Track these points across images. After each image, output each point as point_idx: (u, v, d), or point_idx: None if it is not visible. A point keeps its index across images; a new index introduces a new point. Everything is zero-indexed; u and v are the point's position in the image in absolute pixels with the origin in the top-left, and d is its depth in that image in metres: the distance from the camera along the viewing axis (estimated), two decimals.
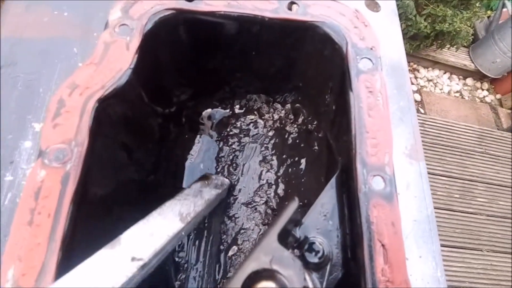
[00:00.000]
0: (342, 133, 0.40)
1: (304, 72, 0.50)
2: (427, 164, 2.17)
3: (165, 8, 0.41)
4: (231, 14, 0.42)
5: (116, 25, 0.40)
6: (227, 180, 0.51)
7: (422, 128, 2.21)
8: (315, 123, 0.52)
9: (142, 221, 0.39)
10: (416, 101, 2.68)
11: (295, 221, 0.32)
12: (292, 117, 0.56)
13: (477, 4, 2.38)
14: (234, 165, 0.56)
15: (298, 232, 0.33)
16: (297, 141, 0.55)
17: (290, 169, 0.54)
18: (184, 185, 0.54)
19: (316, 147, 0.51)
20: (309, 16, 0.42)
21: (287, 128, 0.56)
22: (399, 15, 2.26)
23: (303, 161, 0.53)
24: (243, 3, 0.42)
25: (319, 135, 0.50)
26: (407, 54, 2.66)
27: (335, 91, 0.45)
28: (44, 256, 0.31)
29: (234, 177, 0.55)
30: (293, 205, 0.29)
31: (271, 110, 0.57)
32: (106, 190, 0.40)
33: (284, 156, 0.55)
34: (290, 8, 0.43)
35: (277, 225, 0.27)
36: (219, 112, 0.58)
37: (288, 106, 0.56)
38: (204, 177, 0.50)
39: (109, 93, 0.37)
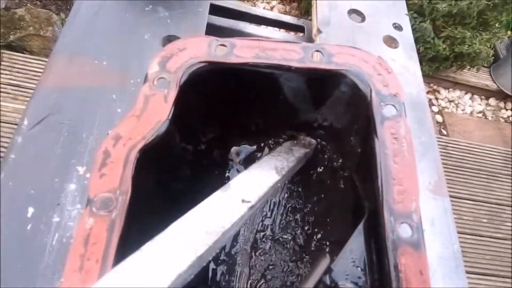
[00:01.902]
0: (367, 177, 0.42)
1: (330, 114, 0.52)
2: (451, 188, 2.14)
3: (198, 61, 0.45)
4: (259, 64, 0.45)
5: (154, 78, 0.44)
6: (313, 140, 0.55)
7: (445, 151, 2.18)
8: (340, 161, 0.54)
9: (244, 172, 0.46)
10: (438, 122, 2.65)
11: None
12: (318, 153, 0.58)
13: (497, 25, 2.37)
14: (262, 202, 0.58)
15: (328, 279, 0.34)
16: (323, 178, 0.57)
17: (316, 207, 0.56)
18: None
19: (342, 186, 0.52)
20: (334, 64, 0.45)
21: (313, 164, 0.58)
22: (417, 38, 2.28)
23: (329, 198, 0.55)
24: (271, 53, 0.46)
25: (345, 173, 0.52)
26: (427, 76, 2.66)
27: (360, 134, 0.47)
28: None
29: (263, 213, 0.57)
30: (324, 263, 0.31)
31: None
32: (142, 233, 0.42)
33: (309, 193, 0.57)
34: (315, 57, 0.46)
35: (309, 282, 0.29)
36: (247, 149, 0.61)
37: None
38: (293, 137, 0.56)
39: (149, 143, 0.40)
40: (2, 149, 1.45)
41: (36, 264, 0.45)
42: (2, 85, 1.60)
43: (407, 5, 2.37)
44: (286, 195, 0.58)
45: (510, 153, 2.30)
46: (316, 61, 0.45)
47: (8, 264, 0.44)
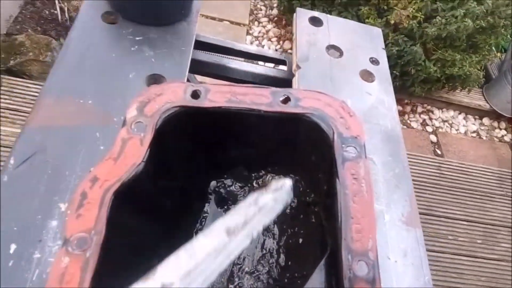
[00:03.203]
0: (330, 215, 0.44)
1: (300, 152, 0.55)
2: (446, 208, 2.13)
3: (174, 105, 0.48)
4: (230, 108, 0.48)
5: (132, 122, 0.47)
6: (288, 180, 0.44)
7: (438, 172, 2.19)
8: (312, 196, 0.57)
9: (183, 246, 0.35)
10: (432, 142, 2.68)
11: None
12: (293, 188, 0.60)
13: (486, 47, 2.43)
14: None
15: None
16: (297, 212, 0.59)
17: (290, 240, 0.58)
18: None
19: (313, 220, 0.55)
20: (300, 108, 0.48)
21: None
22: (408, 61, 2.33)
23: (301, 232, 0.57)
24: (242, 98, 0.49)
25: (315, 209, 0.54)
26: (419, 97, 2.69)
27: (326, 173, 0.49)
28: None
29: None
30: None
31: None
32: (117, 272, 0.44)
33: (285, 226, 0.59)
34: (284, 102, 0.49)
35: None
36: (227, 183, 0.63)
37: (288, 177, 0.60)
38: (262, 185, 0.45)
39: (124, 185, 0.43)
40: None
41: None
42: (1, 110, 1.64)
43: (398, 29, 2.41)
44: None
45: (504, 173, 2.31)
46: (284, 105, 0.48)
47: None
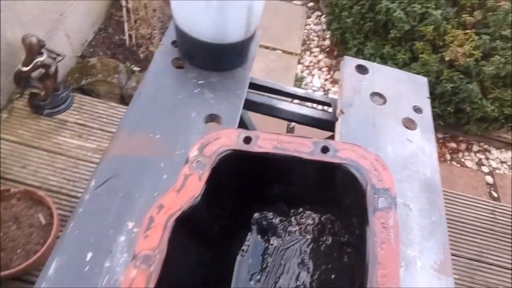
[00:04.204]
0: (360, 258, 0.49)
1: (337, 195, 0.60)
2: (498, 256, 2.02)
3: (228, 149, 0.56)
4: (276, 154, 0.56)
5: (193, 161, 0.56)
6: None
7: (492, 216, 2.08)
8: (346, 236, 0.62)
9: None
10: (488, 183, 2.54)
11: None
12: (329, 226, 0.66)
13: None
14: (277, 263, 0.66)
15: None
16: (331, 249, 0.64)
17: (323, 275, 0.62)
18: (233, 279, 0.65)
19: (346, 259, 0.59)
20: (338, 158, 0.54)
21: (324, 236, 0.66)
22: (463, 98, 2.28)
23: (334, 269, 0.61)
24: (286, 145, 0.56)
25: (348, 249, 0.59)
26: (475, 135, 2.59)
27: (359, 218, 0.54)
28: None
29: (277, 274, 0.65)
30: None
31: (311, 218, 0.68)
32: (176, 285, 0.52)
33: (319, 262, 0.64)
34: (324, 151, 0.55)
35: None
36: (268, 216, 0.70)
37: (325, 216, 0.66)
38: None
39: (184, 213, 0.52)
40: (64, 181, 1.65)
41: None
42: (70, 124, 1.85)
43: (453, 65, 2.38)
44: (298, 260, 0.66)
45: None
46: (323, 155, 0.54)
47: None
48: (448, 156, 2.54)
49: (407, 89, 0.89)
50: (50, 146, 1.77)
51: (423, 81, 0.91)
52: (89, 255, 0.60)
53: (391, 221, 0.48)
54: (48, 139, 1.78)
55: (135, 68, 2.28)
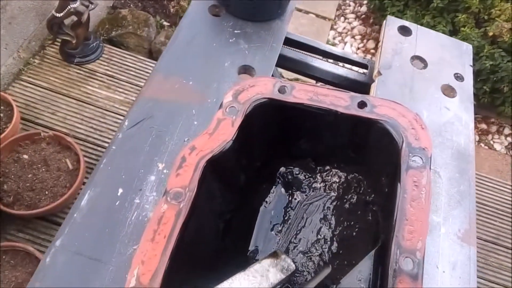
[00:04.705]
0: (388, 215, 0.49)
1: (368, 153, 0.59)
2: None
3: (263, 97, 0.56)
4: (312, 106, 0.55)
5: (227, 106, 0.56)
6: (293, 265, 0.56)
7: None
8: (372, 196, 0.61)
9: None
10: None
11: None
12: (355, 185, 0.66)
13: None
14: (299, 217, 0.67)
15: None
16: (355, 208, 0.64)
17: (345, 231, 0.63)
18: (255, 228, 0.66)
19: (370, 218, 0.59)
20: (375, 114, 0.53)
21: (349, 195, 0.66)
22: (502, 77, 2.16)
23: (357, 226, 0.62)
24: (322, 98, 0.55)
25: (374, 208, 0.59)
26: (509, 118, 2.48)
27: (389, 177, 0.53)
28: (158, 264, 0.46)
29: (298, 227, 0.66)
30: (326, 271, 0.39)
31: (337, 176, 0.67)
32: (198, 228, 0.54)
33: (341, 219, 0.64)
34: (361, 107, 0.54)
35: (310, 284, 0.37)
36: (294, 171, 0.70)
37: (352, 175, 0.66)
38: (275, 254, 0.57)
39: (215, 156, 0.52)
40: (91, 130, 1.69)
41: (118, 232, 0.59)
42: (99, 75, 1.87)
43: (496, 42, 2.25)
44: (321, 216, 0.66)
45: None
46: (360, 110, 0.53)
47: (99, 229, 0.59)
48: (476, 137, 2.46)
49: (451, 55, 0.84)
50: (79, 94, 1.80)
51: (468, 48, 0.86)
52: (120, 190, 0.62)
53: (424, 180, 0.48)
54: (78, 88, 1.82)
55: (165, 23, 2.25)
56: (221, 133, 0.54)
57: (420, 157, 0.49)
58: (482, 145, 2.44)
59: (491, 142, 2.51)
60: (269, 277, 0.53)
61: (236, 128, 0.54)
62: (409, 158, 0.49)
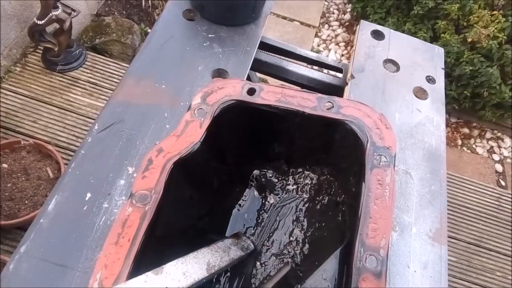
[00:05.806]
0: (354, 214, 0.49)
1: (337, 154, 0.60)
2: (499, 243, 2.00)
3: (231, 99, 0.56)
4: (279, 107, 0.55)
5: (196, 108, 0.55)
6: (252, 245, 0.61)
7: (497, 203, 2.06)
8: (342, 196, 0.61)
9: (181, 258, 0.51)
10: (496, 172, 2.51)
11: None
12: (326, 187, 0.66)
13: None
14: (272, 219, 0.67)
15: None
16: (326, 209, 0.64)
17: (316, 233, 0.63)
18: (227, 231, 0.66)
19: (340, 218, 0.59)
20: (341, 115, 0.53)
21: (320, 196, 0.66)
22: (482, 82, 2.21)
23: (328, 227, 0.62)
24: (290, 99, 0.55)
25: (343, 208, 0.59)
26: (489, 122, 2.53)
27: (356, 176, 0.54)
28: (121, 268, 0.45)
29: (271, 229, 0.66)
30: (285, 269, 0.39)
31: (309, 178, 0.67)
32: (166, 229, 0.53)
33: (313, 220, 0.64)
34: (327, 108, 0.54)
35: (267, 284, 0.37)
36: (268, 174, 0.70)
37: (323, 177, 0.66)
38: (236, 235, 0.61)
39: (182, 158, 0.52)
40: (73, 138, 1.67)
41: (86, 237, 0.58)
42: (82, 82, 1.85)
43: (475, 48, 2.30)
44: (293, 217, 0.66)
45: None
46: (326, 111, 0.53)
47: (66, 234, 0.58)
48: (459, 142, 2.50)
49: (423, 58, 0.86)
50: (61, 102, 1.78)
51: (440, 51, 0.88)
52: (88, 195, 0.61)
53: (388, 178, 0.48)
54: (60, 96, 1.80)
55: (149, 30, 2.25)
56: (189, 135, 0.53)
57: (385, 156, 0.50)
58: (465, 149, 2.48)
59: (474, 146, 2.56)
60: (230, 253, 0.57)
61: (204, 129, 0.54)
62: (373, 157, 0.50)
